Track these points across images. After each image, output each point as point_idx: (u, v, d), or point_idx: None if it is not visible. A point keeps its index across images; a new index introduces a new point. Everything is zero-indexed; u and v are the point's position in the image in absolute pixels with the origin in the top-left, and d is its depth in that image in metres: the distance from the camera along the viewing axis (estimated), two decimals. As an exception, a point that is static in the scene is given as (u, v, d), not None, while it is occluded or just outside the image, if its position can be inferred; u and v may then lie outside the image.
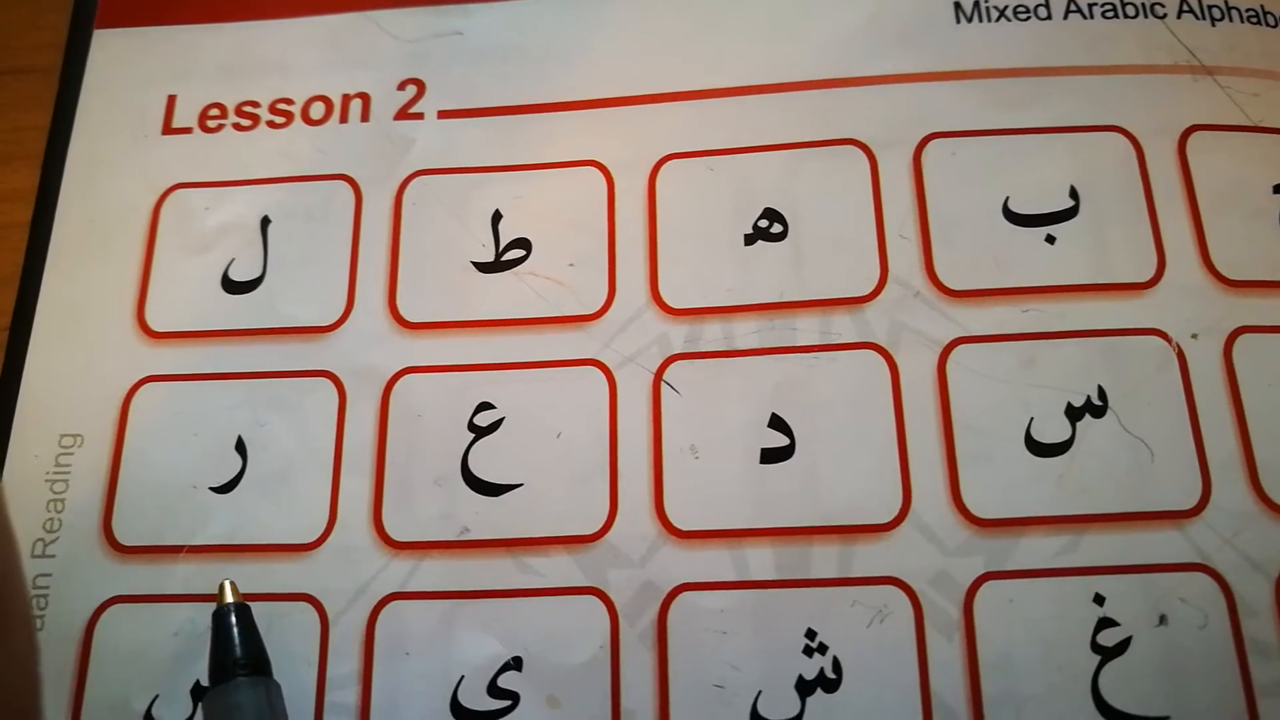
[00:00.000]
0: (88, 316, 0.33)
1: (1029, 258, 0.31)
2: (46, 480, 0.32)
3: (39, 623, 0.30)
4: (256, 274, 0.33)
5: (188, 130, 0.35)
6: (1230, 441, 0.29)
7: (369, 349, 0.32)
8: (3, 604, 0.21)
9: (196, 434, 0.32)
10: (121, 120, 0.35)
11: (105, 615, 0.30)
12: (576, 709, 0.29)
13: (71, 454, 0.32)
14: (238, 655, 0.28)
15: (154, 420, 0.32)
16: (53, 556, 0.31)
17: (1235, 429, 0.29)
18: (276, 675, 0.29)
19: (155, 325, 0.33)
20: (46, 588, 0.31)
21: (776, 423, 0.31)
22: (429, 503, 0.31)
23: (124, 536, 0.31)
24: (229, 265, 0.34)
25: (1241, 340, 0.30)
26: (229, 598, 0.28)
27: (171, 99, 0.35)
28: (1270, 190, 0.32)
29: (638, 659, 0.29)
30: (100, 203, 0.34)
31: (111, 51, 0.36)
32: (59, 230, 0.34)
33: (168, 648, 0.30)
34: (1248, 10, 0.33)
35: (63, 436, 0.32)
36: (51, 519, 0.31)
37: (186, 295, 0.33)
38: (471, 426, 0.31)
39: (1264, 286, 0.31)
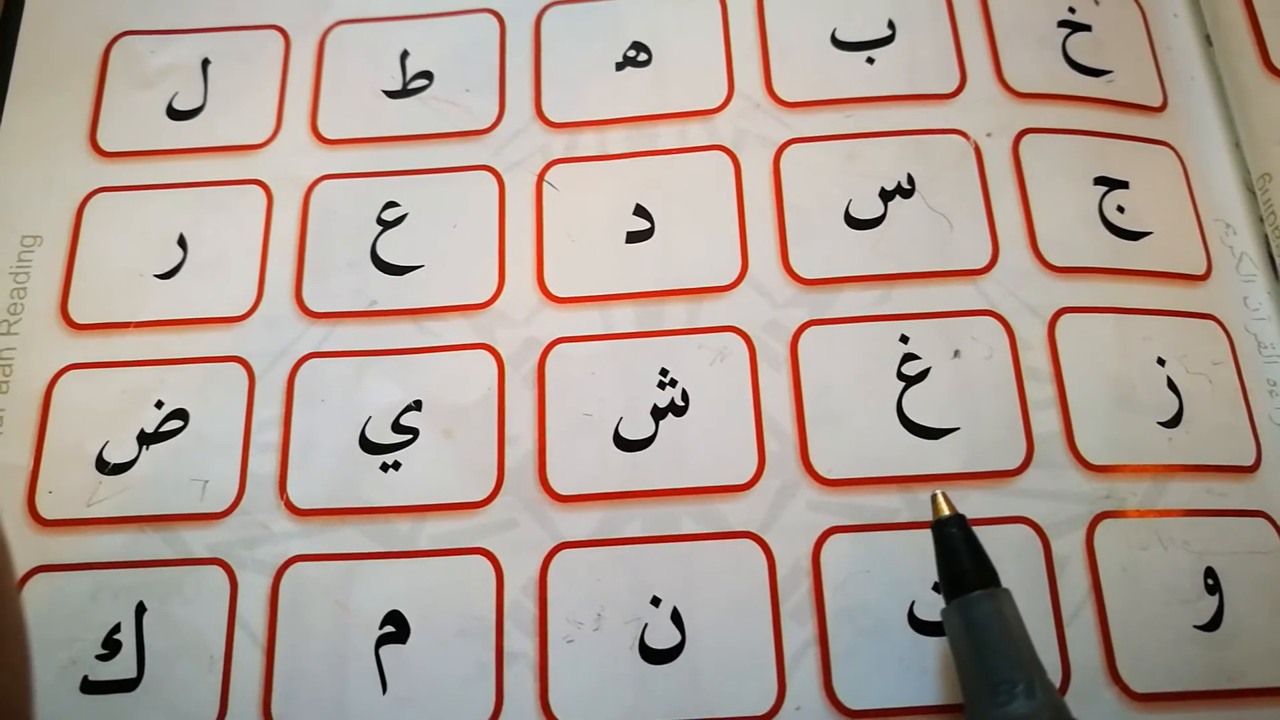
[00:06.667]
0: (46, 139, 0.38)
1: (852, 74, 0.37)
2: (10, 273, 0.36)
3: (4, 386, 0.35)
4: (198, 104, 0.39)
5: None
6: (1015, 215, 0.35)
7: (294, 161, 0.37)
8: None
9: (144, 232, 0.37)
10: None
11: (62, 379, 0.35)
12: (468, 437, 0.34)
13: (32, 251, 0.37)
14: (967, 568, 0.27)
15: (106, 223, 0.37)
16: (17, 334, 0.36)
17: (1019, 205, 0.35)
18: (210, 419, 0.34)
19: (106, 146, 0.38)
20: (11, 360, 0.35)
21: (640, 211, 0.36)
22: (342, 281, 0.36)
23: (78, 317, 0.36)
24: (173, 97, 0.39)
25: (1027, 139, 0.36)
26: (945, 510, 0.28)
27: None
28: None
29: (521, 396, 0.34)
30: (54, 46, 0.39)
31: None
32: (18, 69, 0.39)
33: (115, 403, 0.35)
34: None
35: (24, 237, 0.37)
36: (15, 304, 0.36)
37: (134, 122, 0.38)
38: (379, 221, 0.36)
39: (1047, 99, 0.37)
